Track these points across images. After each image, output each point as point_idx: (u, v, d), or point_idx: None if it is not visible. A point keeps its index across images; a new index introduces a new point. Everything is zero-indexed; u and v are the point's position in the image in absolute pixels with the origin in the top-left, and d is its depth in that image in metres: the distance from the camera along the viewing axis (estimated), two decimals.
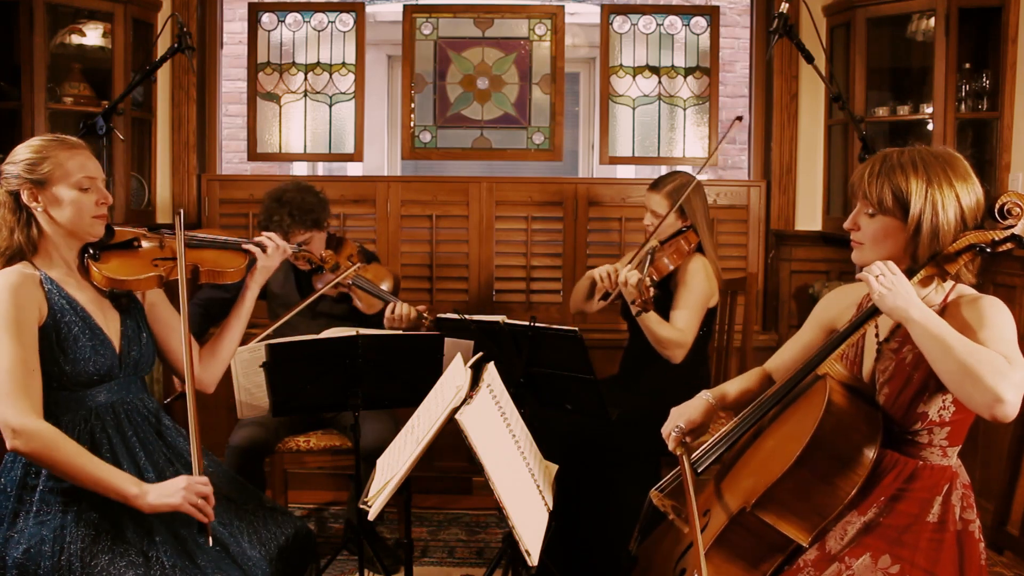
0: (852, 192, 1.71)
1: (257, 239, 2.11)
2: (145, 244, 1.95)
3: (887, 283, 1.52)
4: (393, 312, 2.75)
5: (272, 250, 2.09)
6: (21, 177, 1.76)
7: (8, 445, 1.66)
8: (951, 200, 1.58)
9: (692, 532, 1.56)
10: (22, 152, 1.79)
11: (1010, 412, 1.42)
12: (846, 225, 1.71)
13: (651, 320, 2.57)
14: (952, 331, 1.48)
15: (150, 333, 1.96)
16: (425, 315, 2.75)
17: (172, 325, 2.01)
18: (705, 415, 1.85)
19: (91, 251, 1.85)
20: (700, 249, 2.77)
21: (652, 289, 2.46)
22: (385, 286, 2.88)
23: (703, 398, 1.88)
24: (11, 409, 1.64)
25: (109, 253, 1.88)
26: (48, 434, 1.65)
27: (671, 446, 1.82)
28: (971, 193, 1.60)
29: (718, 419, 2.78)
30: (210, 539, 1.71)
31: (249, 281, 2.10)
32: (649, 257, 2.68)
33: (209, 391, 2.07)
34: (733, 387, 1.95)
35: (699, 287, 2.68)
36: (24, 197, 1.77)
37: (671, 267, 2.69)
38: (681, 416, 1.85)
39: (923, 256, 1.60)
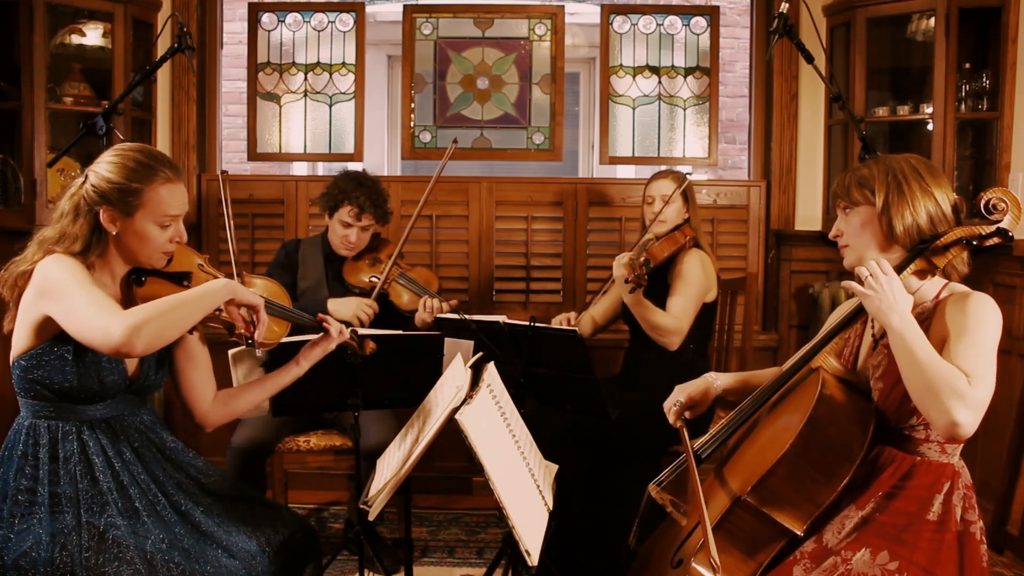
0: (832, 204, 1.79)
1: (331, 321, 2.02)
2: (195, 283, 1.85)
3: (875, 285, 1.56)
4: (425, 307, 2.74)
5: (341, 334, 2.02)
6: (107, 199, 1.71)
7: (123, 351, 1.56)
8: (914, 180, 1.66)
9: (695, 496, 1.64)
10: (116, 171, 1.72)
11: (965, 433, 1.48)
12: (831, 235, 1.79)
13: (643, 305, 2.60)
14: (925, 344, 1.52)
15: (171, 363, 1.93)
16: (458, 311, 2.73)
17: (195, 357, 1.95)
18: (704, 395, 1.93)
19: (138, 275, 1.81)
20: (698, 245, 2.80)
21: (644, 268, 2.49)
22: (431, 287, 2.88)
23: (707, 379, 1.95)
24: (108, 317, 1.57)
25: (156, 283, 1.82)
26: (133, 309, 1.59)
27: (671, 419, 1.91)
28: (934, 177, 1.67)
29: (716, 417, 2.80)
30: (258, 351, 1.83)
31: (301, 358, 2.02)
32: (644, 244, 2.76)
33: (208, 429, 2.01)
34: (741, 375, 2.02)
35: (695, 278, 2.71)
36: (103, 218, 1.72)
37: (665, 253, 2.73)
38: (683, 392, 1.93)
39: (902, 236, 1.65)
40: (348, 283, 2.86)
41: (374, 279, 2.83)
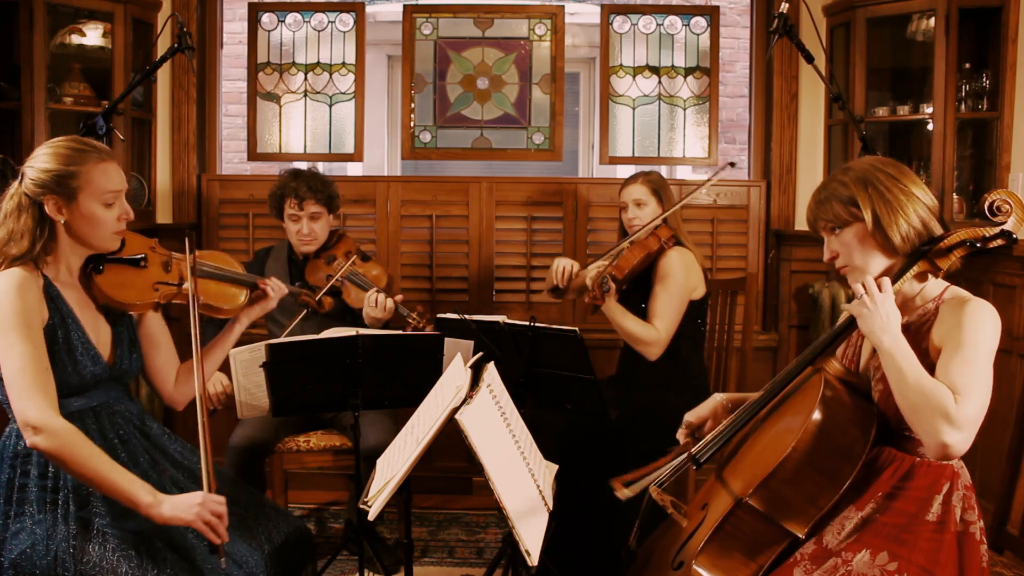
0: (813, 229, 1.77)
1: (266, 282, 2.15)
2: (152, 264, 1.92)
3: (868, 304, 1.57)
4: (369, 302, 2.72)
5: (277, 292, 2.15)
6: (48, 187, 1.73)
7: (28, 442, 1.63)
8: (894, 185, 1.65)
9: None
10: (50, 159, 1.74)
11: (955, 453, 1.49)
12: (825, 259, 1.76)
13: (618, 314, 2.60)
14: (913, 363, 1.53)
15: (139, 346, 1.96)
16: (404, 307, 2.73)
17: (158, 342, 2.00)
18: (712, 412, 1.94)
19: (96, 263, 1.83)
20: (679, 243, 2.76)
21: (609, 284, 2.50)
22: (380, 284, 2.88)
23: (715, 398, 1.96)
24: (30, 405, 1.62)
25: (113, 268, 1.86)
26: (68, 433, 1.63)
27: (682, 440, 1.93)
28: (908, 176, 1.67)
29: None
30: (222, 560, 1.68)
31: (242, 316, 2.12)
32: (614, 255, 2.72)
33: (179, 408, 2.07)
34: (745, 395, 2.01)
35: (676, 281, 2.67)
36: (49, 208, 1.73)
37: (632, 263, 2.68)
38: (692, 414, 1.96)
39: (902, 246, 1.64)
40: (308, 283, 2.86)
41: (329, 278, 2.84)
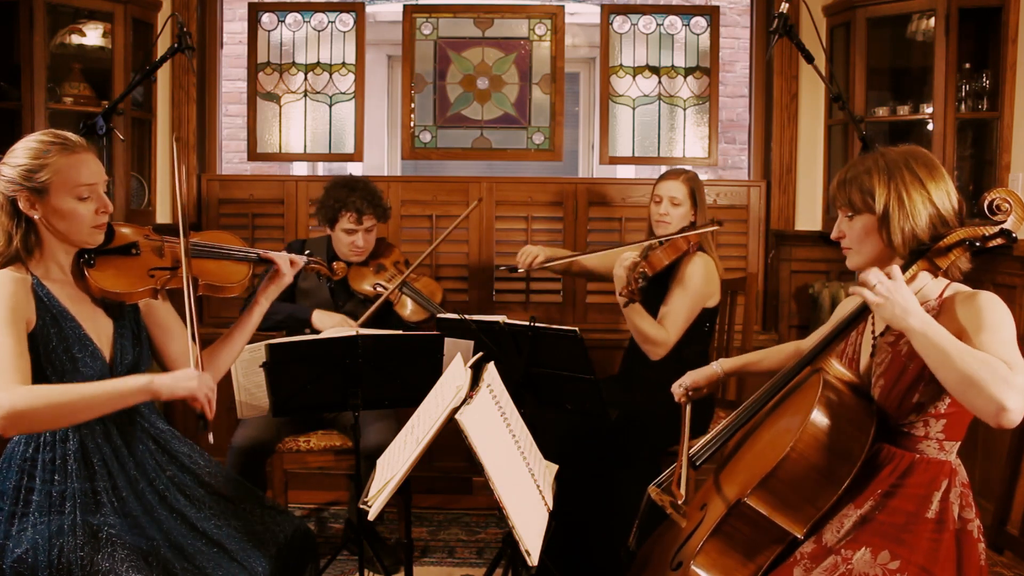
0: (832, 204, 1.75)
1: (274, 254, 2.03)
2: (144, 251, 1.86)
3: (884, 291, 1.52)
4: None
5: (291, 265, 2.04)
6: (17, 183, 1.70)
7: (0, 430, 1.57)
8: (915, 188, 1.64)
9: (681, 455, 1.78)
10: (20, 155, 1.73)
11: (1015, 419, 1.42)
12: (833, 236, 1.77)
13: (635, 312, 2.60)
14: (952, 339, 1.48)
15: (146, 336, 1.92)
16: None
17: (171, 329, 1.96)
18: (709, 380, 2.09)
19: (87, 256, 1.79)
20: (702, 249, 2.76)
21: (638, 283, 2.49)
22: (435, 299, 2.90)
23: (713, 367, 2.11)
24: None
25: (106, 260, 1.81)
26: (26, 390, 1.58)
27: (676, 397, 2.09)
28: (935, 179, 1.65)
29: (717, 417, 2.80)
30: (210, 436, 1.71)
31: (260, 296, 2.03)
32: (647, 249, 2.71)
33: None
34: (745, 359, 2.17)
35: (694, 287, 2.68)
36: (21, 204, 1.71)
37: (665, 262, 2.67)
38: (690, 377, 2.10)
39: (900, 246, 1.64)
40: (353, 289, 2.87)
41: (379, 287, 2.84)
